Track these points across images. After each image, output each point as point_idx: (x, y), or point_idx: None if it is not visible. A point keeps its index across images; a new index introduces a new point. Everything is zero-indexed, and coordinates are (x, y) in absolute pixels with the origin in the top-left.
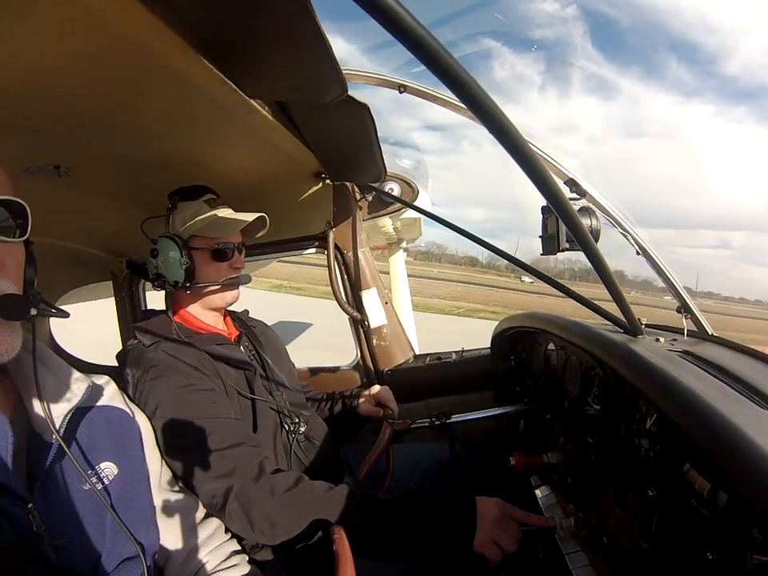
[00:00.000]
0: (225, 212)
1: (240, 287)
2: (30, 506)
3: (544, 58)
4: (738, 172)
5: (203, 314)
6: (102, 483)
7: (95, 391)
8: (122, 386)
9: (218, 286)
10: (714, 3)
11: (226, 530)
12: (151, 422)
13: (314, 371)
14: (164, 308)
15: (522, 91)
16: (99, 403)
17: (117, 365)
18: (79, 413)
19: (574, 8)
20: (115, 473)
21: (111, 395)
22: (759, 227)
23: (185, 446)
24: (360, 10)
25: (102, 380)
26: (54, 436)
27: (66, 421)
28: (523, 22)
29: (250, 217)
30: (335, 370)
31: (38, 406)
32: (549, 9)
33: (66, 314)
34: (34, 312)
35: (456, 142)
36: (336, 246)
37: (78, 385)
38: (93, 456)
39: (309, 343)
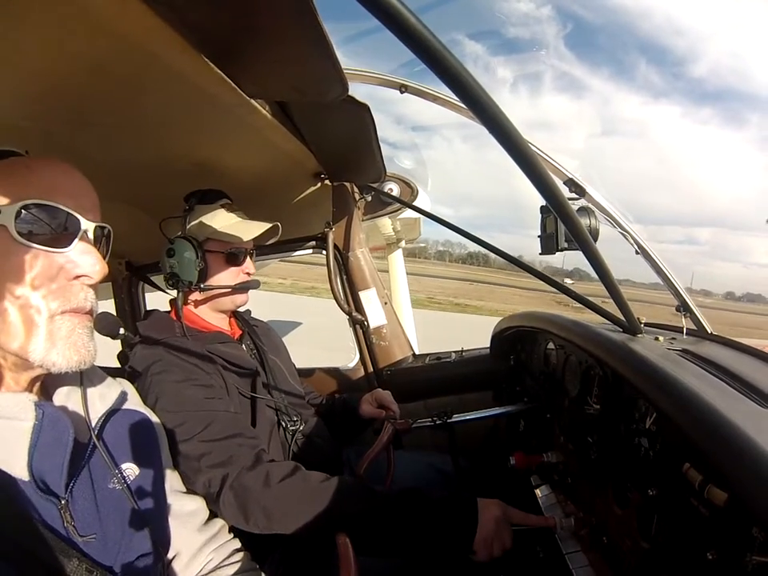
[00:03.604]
0: (240, 218)
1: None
2: (63, 501)
3: (517, 55)
4: (705, 171)
5: (210, 315)
6: (125, 483)
7: (123, 395)
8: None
9: (230, 289)
10: (682, 7)
11: (229, 530)
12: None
13: (314, 371)
14: (163, 310)
15: (494, 88)
16: (125, 406)
17: (115, 365)
18: (109, 415)
19: (548, 8)
20: (136, 473)
21: (133, 398)
22: (724, 224)
23: (182, 437)
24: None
25: (125, 384)
26: (89, 437)
27: (100, 423)
28: (497, 20)
29: (265, 225)
30: (335, 370)
31: (77, 408)
32: (523, 8)
33: (135, 336)
34: (122, 332)
35: (428, 138)
36: (335, 246)
37: (112, 389)
38: (117, 457)
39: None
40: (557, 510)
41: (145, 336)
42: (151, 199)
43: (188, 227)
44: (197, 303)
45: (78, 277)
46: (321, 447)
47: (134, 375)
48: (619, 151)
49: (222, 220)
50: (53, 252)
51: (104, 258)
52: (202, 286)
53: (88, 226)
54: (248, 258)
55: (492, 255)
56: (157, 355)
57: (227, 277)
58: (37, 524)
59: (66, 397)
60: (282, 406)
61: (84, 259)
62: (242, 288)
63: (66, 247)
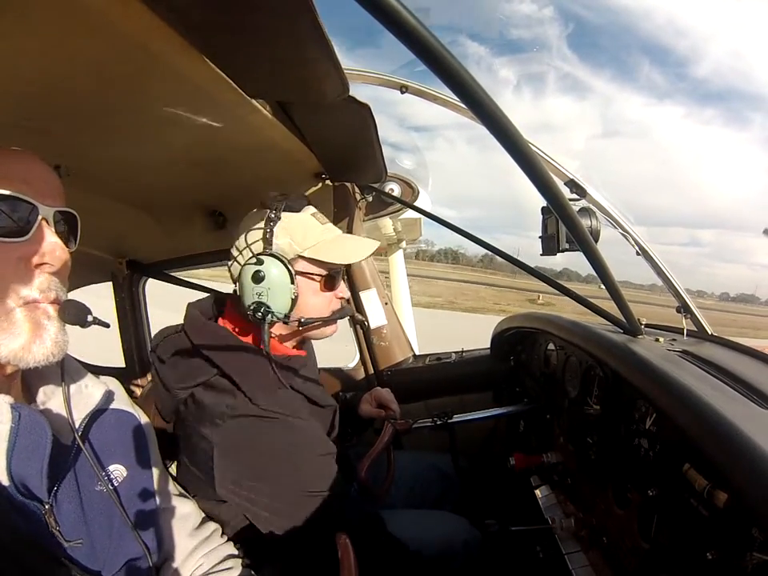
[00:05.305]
0: (328, 229)
1: None
2: (47, 506)
3: (519, 57)
4: (708, 172)
5: (291, 343)
6: (112, 485)
7: (109, 395)
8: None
9: (324, 320)
10: (683, 7)
11: (222, 533)
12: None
13: None
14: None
15: (497, 90)
16: (111, 406)
17: (114, 365)
18: (94, 416)
19: (550, 9)
20: (124, 475)
21: (121, 398)
22: (729, 225)
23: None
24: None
25: (112, 383)
26: (72, 438)
27: (84, 423)
28: (499, 21)
29: (373, 244)
30: (335, 370)
31: (59, 409)
32: (526, 10)
33: (107, 324)
34: (90, 319)
35: (430, 140)
36: None
37: (95, 389)
38: (104, 458)
39: None
40: (557, 511)
41: (254, 401)
42: (151, 199)
43: (274, 241)
44: (282, 338)
45: (39, 265)
46: None
47: (226, 419)
48: (622, 152)
49: (316, 234)
50: (9, 242)
51: (74, 245)
52: (302, 320)
53: (46, 212)
54: (341, 279)
55: (461, 252)
56: (267, 410)
57: (322, 305)
58: (21, 530)
59: (48, 397)
60: None
61: (44, 246)
62: (339, 318)
63: (23, 236)
